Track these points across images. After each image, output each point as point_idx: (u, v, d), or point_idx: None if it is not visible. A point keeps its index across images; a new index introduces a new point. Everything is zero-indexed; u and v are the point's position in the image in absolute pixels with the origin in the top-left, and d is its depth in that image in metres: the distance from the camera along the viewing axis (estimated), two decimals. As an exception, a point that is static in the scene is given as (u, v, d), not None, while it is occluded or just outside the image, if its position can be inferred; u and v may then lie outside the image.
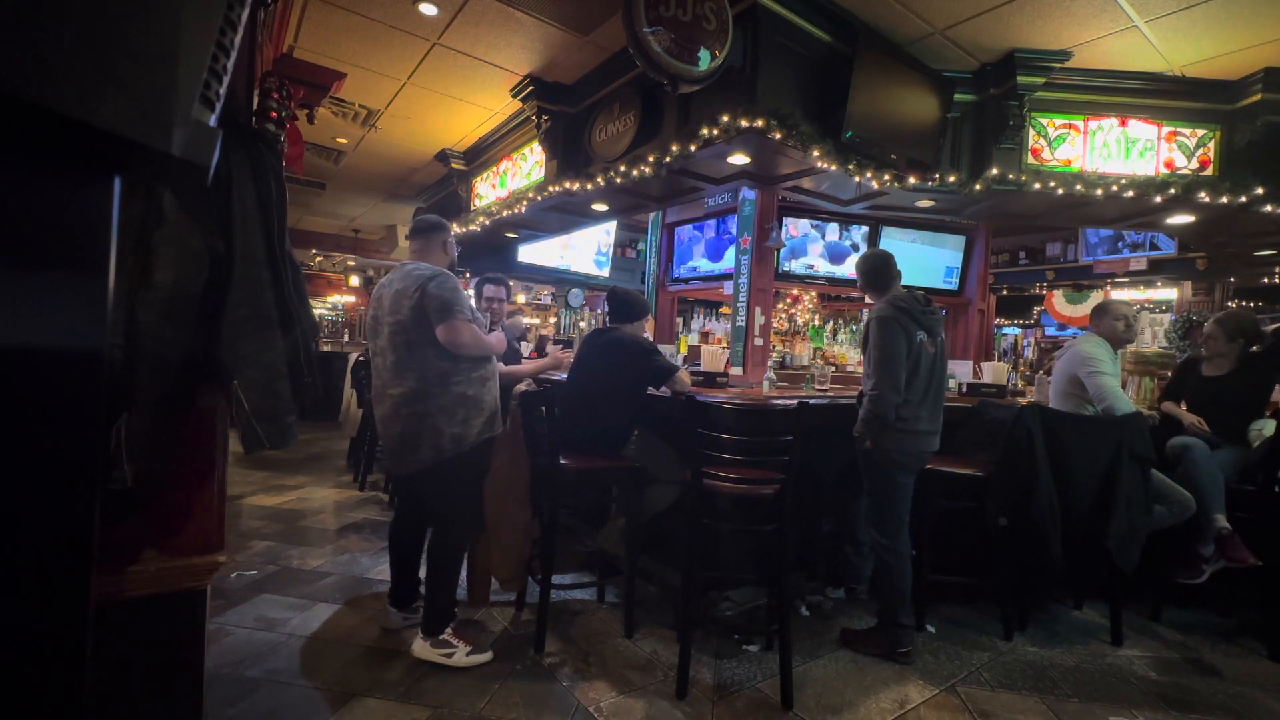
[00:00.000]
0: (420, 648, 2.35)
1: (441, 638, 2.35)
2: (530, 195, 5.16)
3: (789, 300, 7.35)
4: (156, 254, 1.39)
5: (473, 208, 6.59)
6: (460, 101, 5.30)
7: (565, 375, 3.13)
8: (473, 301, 4.87)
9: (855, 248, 5.10)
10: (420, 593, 2.66)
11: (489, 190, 6.35)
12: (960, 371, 4.04)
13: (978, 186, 4.16)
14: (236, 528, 3.79)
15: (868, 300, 2.94)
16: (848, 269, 5.03)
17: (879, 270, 2.64)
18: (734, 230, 4.65)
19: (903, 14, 3.69)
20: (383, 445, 2.47)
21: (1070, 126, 4.30)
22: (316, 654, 2.38)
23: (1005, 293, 8.85)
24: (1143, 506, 2.61)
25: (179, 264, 1.43)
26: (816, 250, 5.06)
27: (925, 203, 4.59)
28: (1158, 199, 4.07)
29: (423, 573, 2.50)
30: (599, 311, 9.52)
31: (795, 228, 4.97)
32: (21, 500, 0.84)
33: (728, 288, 4.71)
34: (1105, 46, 3.88)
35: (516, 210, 5.41)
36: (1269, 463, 2.84)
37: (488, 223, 6.02)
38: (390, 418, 2.36)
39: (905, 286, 2.65)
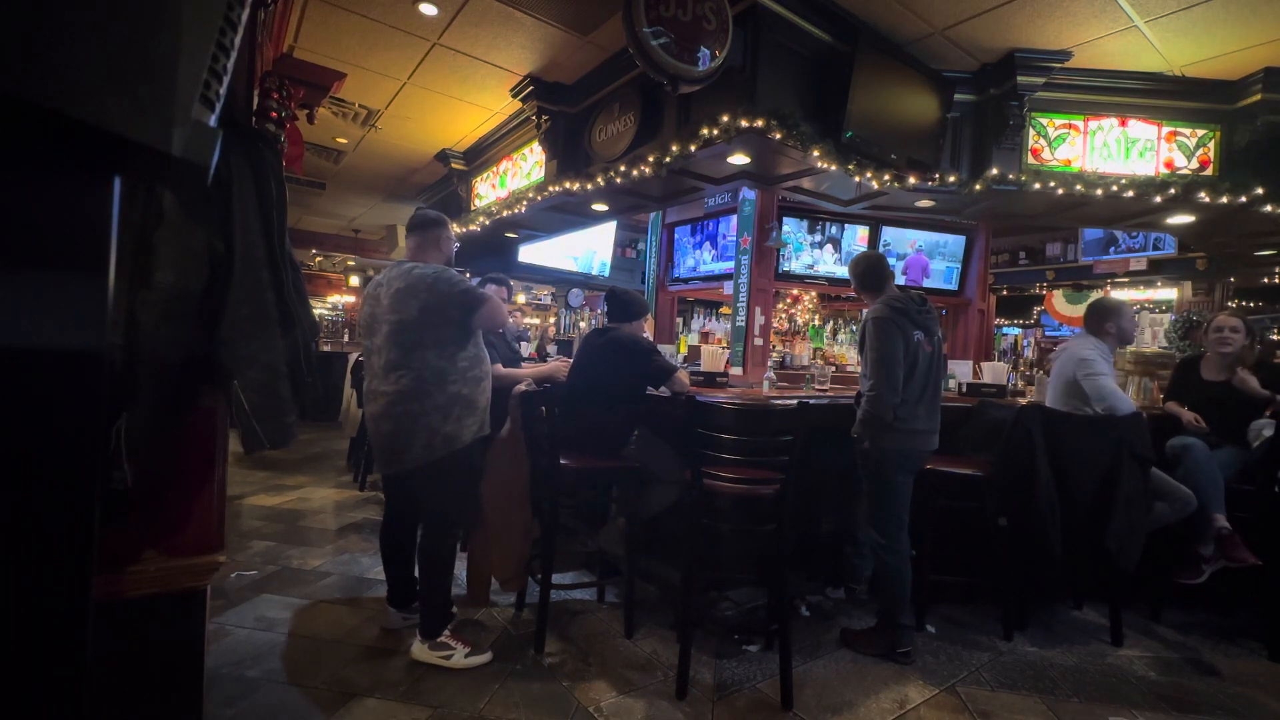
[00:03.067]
0: (418, 650, 2.34)
1: (439, 640, 2.34)
2: (530, 195, 5.16)
3: (789, 300, 7.35)
4: (156, 254, 1.39)
5: (473, 208, 6.60)
6: (460, 101, 5.30)
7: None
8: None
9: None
10: (418, 592, 2.66)
11: (489, 190, 6.35)
12: (960, 371, 4.04)
13: (978, 186, 4.16)
14: (236, 528, 3.79)
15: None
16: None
17: (873, 271, 2.65)
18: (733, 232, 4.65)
19: (903, 14, 3.70)
20: (373, 445, 2.46)
21: (1070, 126, 4.30)
22: (317, 654, 2.38)
23: (1005, 293, 8.85)
24: (1143, 506, 2.61)
25: (179, 264, 1.43)
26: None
27: (925, 203, 4.59)
28: (1158, 199, 4.07)
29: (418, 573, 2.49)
30: (599, 311, 9.52)
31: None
32: (22, 500, 0.84)
33: (728, 288, 4.71)
34: (1105, 46, 3.88)
35: (516, 210, 5.42)
36: (1269, 463, 2.84)
37: (488, 223, 6.03)
38: (381, 416, 2.33)
39: (900, 286, 2.65)
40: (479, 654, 2.35)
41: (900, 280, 5.10)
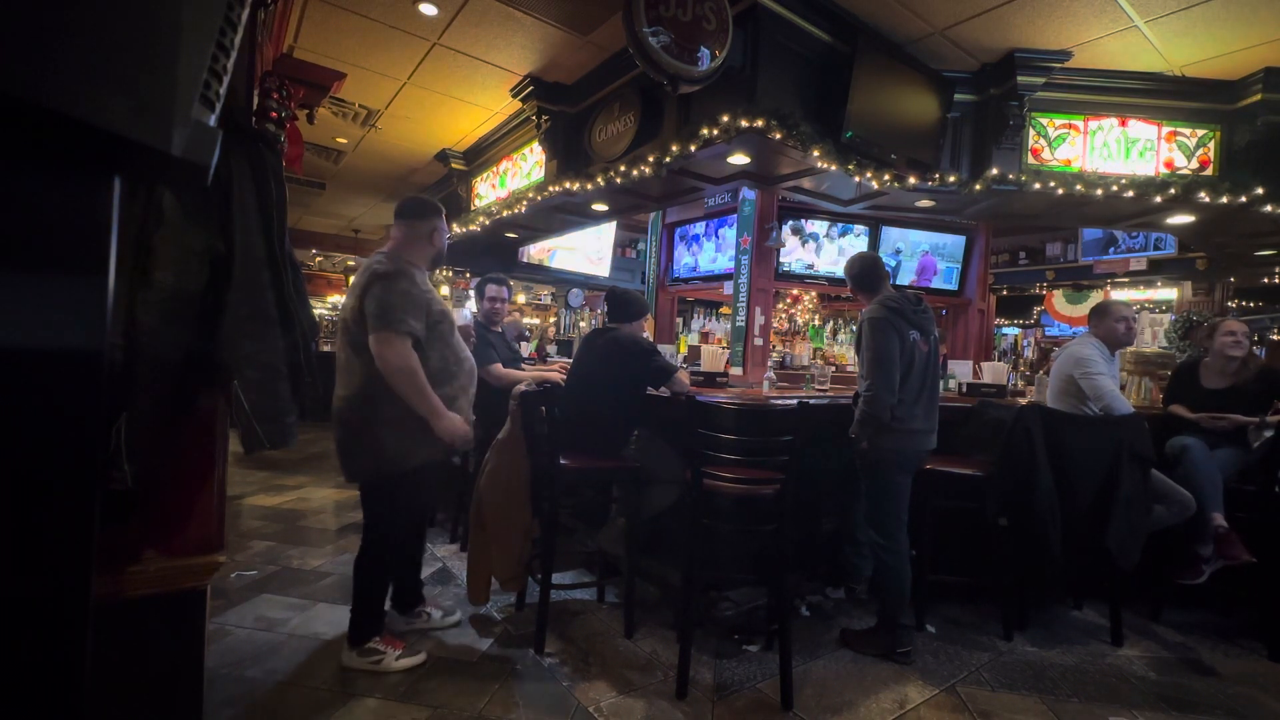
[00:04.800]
0: (346, 658, 2.26)
1: (367, 646, 2.25)
2: (530, 195, 5.16)
3: (789, 300, 7.36)
4: (156, 254, 1.40)
5: (473, 208, 6.60)
6: (460, 101, 5.30)
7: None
8: (471, 304, 4.87)
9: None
10: (423, 596, 2.64)
11: (489, 190, 6.35)
12: (960, 371, 4.04)
13: (978, 186, 4.16)
14: (236, 528, 3.79)
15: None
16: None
17: (868, 272, 2.65)
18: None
19: (903, 14, 3.69)
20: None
21: (1070, 126, 4.30)
22: (317, 654, 2.38)
23: (1005, 293, 8.85)
24: (1143, 506, 2.61)
25: (179, 264, 1.43)
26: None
27: (925, 203, 4.59)
28: (1158, 199, 4.07)
29: (425, 573, 2.44)
30: (599, 311, 9.53)
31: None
32: (22, 500, 0.84)
33: (728, 288, 4.71)
34: (1105, 46, 3.88)
35: (516, 210, 5.41)
36: (1269, 463, 2.84)
37: (488, 223, 6.03)
38: (334, 421, 2.19)
39: (899, 286, 2.65)
40: (411, 655, 2.30)
41: (910, 280, 5.12)
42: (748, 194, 4.38)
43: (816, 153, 3.51)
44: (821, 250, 4.97)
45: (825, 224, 4.97)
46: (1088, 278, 7.56)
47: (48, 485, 0.86)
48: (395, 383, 2.05)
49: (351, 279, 2.36)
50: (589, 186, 4.45)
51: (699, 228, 5.46)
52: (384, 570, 2.36)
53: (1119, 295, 7.65)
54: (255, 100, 1.99)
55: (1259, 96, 4.06)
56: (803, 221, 4.90)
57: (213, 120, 0.88)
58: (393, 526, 2.33)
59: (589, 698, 2.16)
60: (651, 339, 4.09)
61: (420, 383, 2.07)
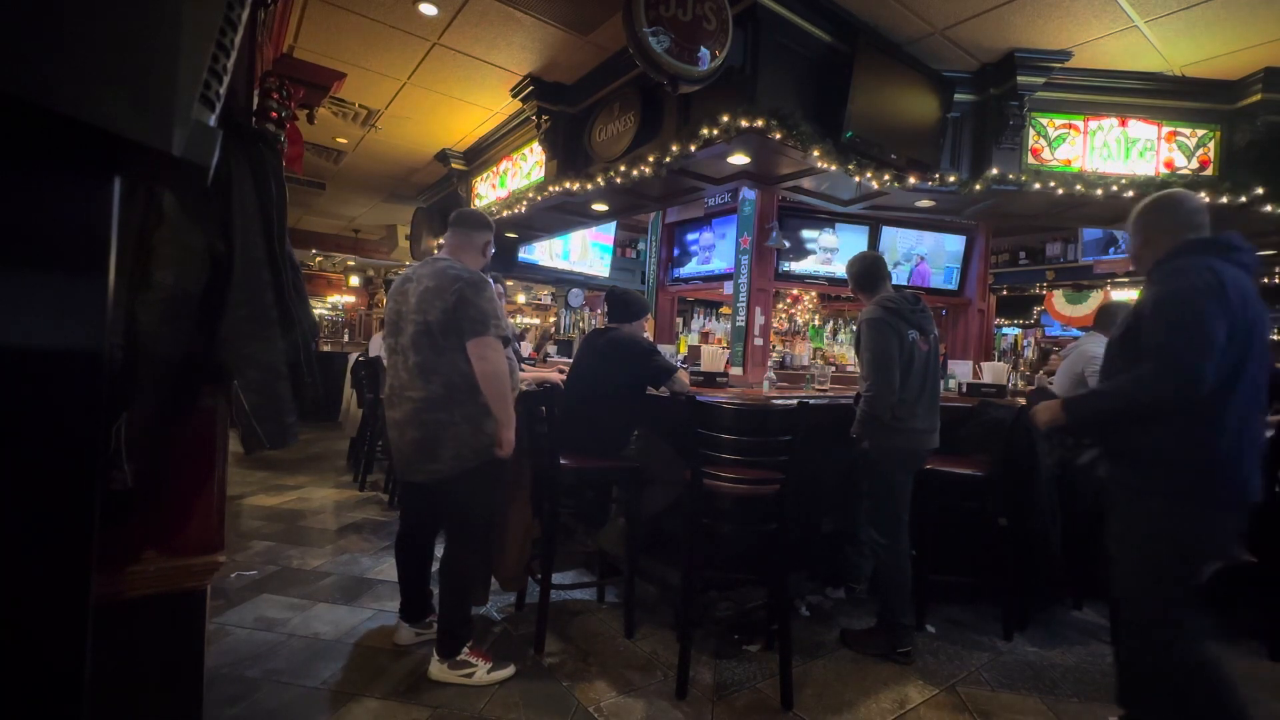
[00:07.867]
0: (437, 670, 2.24)
1: (459, 658, 2.25)
2: (530, 195, 5.16)
3: (789, 300, 7.36)
4: (156, 254, 1.40)
5: (473, 208, 6.59)
6: (460, 101, 5.30)
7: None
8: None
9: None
10: (433, 606, 2.57)
11: (489, 190, 6.35)
12: (960, 371, 4.04)
13: (978, 186, 4.16)
14: (236, 528, 3.79)
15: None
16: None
17: (869, 272, 2.65)
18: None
19: (903, 14, 3.69)
20: (394, 452, 2.31)
21: (1070, 126, 4.30)
22: (316, 654, 2.38)
23: (1005, 293, 8.85)
24: (1143, 506, 2.60)
25: (179, 264, 1.43)
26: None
27: (925, 203, 4.59)
28: (1158, 199, 4.07)
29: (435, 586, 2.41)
30: (599, 311, 9.53)
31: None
32: (21, 500, 0.84)
33: (728, 288, 4.71)
34: (1105, 46, 3.88)
35: (516, 210, 5.41)
36: (1269, 463, 2.83)
37: (488, 223, 6.02)
38: (407, 422, 2.20)
39: (898, 286, 2.65)
40: (501, 668, 2.27)
41: (909, 281, 5.11)
42: (748, 194, 4.38)
43: (816, 153, 3.51)
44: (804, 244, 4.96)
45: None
46: (1088, 278, 7.56)
47: (48, 485, 0.86)
48: (488, 383, 2.15)
49: (395, 281, 2.34)
50: (589, 186, 4.45)
51: (690, 230, 5.45)
52: (472, 577, 2.35)
53: (1119, 295, 7.65)
54: (255, 100, 1.99)
55: (1259, 96, 4.06)
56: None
57: (213, 120, 0.88)
58: (475, 524, 2.33)
59: (589, 698, 2.16)
60: (651, 339, 4.09)
61: (508, 387, 2.20)
